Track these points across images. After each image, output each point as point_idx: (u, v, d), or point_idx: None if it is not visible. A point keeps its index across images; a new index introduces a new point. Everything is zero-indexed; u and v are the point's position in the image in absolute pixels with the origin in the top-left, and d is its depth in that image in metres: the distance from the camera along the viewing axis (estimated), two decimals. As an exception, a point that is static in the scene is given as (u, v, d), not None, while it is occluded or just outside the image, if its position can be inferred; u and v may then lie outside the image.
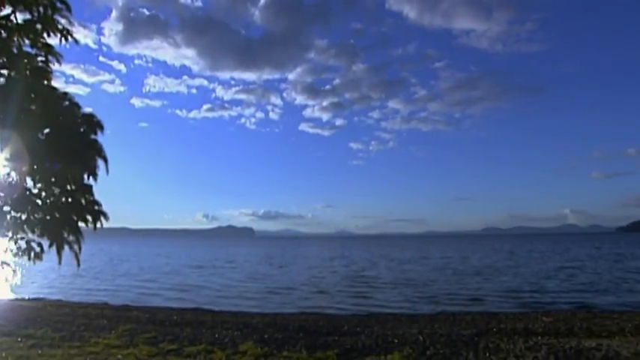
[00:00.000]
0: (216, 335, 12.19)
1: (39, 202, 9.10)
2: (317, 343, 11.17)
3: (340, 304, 21.35)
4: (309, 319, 15.85)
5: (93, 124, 9.50)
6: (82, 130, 9.34)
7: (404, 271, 38.37)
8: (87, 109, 9.65)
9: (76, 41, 9.21)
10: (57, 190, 9.24)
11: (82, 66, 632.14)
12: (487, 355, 9.85)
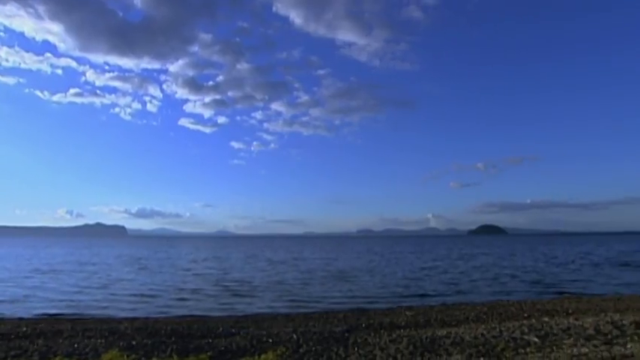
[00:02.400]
0: (76, 345, 11.03)
1: None
2: (189, 347, 10.79)
3: (215, 306, 20.82)
4: (182, 323, 15.20)
5: None
6: None
7: (279, 272, 38.68)
8: None
9: None
10: None
11: None
12: (356, 349, 10.49)
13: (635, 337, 10.82)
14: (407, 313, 17.23)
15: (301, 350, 10.40)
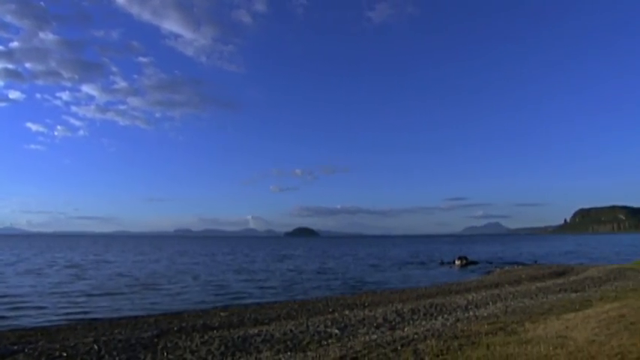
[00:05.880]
0: None
1: None
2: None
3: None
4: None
5: None
6: None
7: (77, 278, 34.03)
8: None
9: None
10: None
11: None
12: (165, 354, 10.07)
13: (411, 322, 13.07)
14: (221, 314, 17.27)
15: (102, 361, 9.49)
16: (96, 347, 10.82)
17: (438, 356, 8.06)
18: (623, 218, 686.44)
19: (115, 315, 18.12)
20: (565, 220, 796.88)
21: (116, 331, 13.65)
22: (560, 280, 25.31)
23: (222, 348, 10.46)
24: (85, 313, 18.74)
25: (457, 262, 48.68)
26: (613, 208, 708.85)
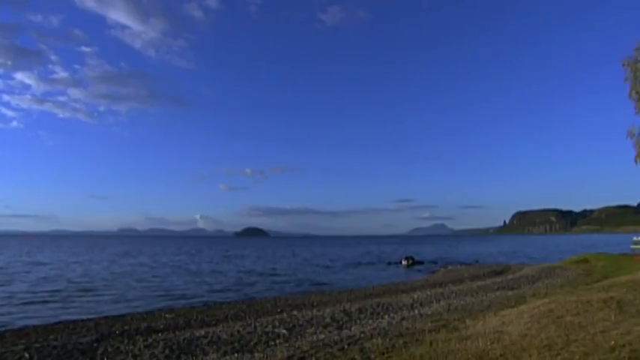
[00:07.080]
0: None
1: None
2: None
3: None
4: None
5: None
6: None
7: (5, 280, 31.60)
8: None
9: None
10: None
11: None
12: (105, 359, 9.66)
13: (358, 321, 13.32)
14: (167, 315, 16.78)
15: (35, 369, 8.95)
16: (27, 355, 10.18)
17: (383, 354, 8.27)
18: (554, 220, 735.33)
19: (50, 320, 17.07)
20: (504, 222, 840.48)
21: (51, 337, 12.88)
22: (498, 279, 26.70)
23: (167, 351, 10.18)
24: (14, 320, 17.44)
25: (404, 262, 50.06)
26: (545, 211, 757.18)
